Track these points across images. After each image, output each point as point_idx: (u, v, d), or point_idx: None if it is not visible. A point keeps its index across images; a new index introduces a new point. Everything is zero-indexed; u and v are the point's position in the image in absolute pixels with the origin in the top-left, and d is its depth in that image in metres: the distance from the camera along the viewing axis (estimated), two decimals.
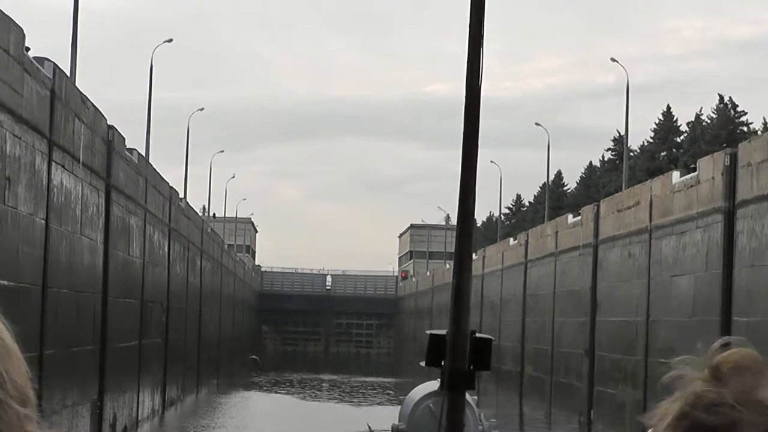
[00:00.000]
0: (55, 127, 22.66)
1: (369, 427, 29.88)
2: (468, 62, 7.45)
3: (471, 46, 7.44)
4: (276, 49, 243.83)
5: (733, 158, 28.80)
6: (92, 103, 26.71)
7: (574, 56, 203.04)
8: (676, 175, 33.91)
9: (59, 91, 22.99)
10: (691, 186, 31.87)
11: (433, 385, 12.13)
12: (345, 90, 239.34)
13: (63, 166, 23.56)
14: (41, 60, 22.12)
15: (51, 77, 22.34)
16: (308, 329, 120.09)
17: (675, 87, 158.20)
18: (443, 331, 7.67)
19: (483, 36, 7.49)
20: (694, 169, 32.77)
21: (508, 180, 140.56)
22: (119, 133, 30.44)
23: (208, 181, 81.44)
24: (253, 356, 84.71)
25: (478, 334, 7.71)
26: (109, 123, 29.26)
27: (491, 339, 7.94)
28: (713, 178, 30.10)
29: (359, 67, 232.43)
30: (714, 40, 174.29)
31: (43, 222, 21.87)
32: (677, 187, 33.17)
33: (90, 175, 26.65)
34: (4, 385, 1.49)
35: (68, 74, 28.55)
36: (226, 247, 75.67)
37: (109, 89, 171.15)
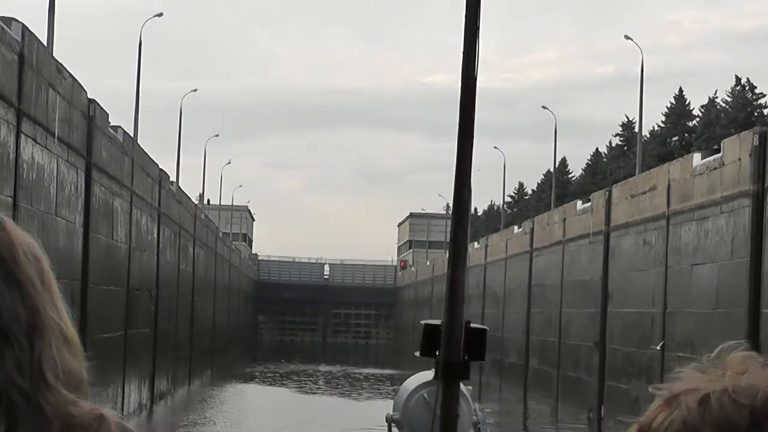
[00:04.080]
0: (24, 95, 20.52)
1: None
2: (464, 52, 7.32)
3: (467, 36, 7.31)
4: (275, 39, 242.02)
5: (763, 138, 26.72)
6: (70, 73, 24.55)
7: (573, 48, 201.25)
8: (697, 158, 31.80)
9: (29, 56, 20.84)
10: (715, 168, 29.78)
11: (428, 375, 11.75)
12: (345, 81, 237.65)
13: (34, 140, 21.43)
14: (8, 20, 19.98)
15: (19, 40, 20.21)
16: (306, 319, 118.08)
17: (676, 78, 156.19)
18: (438, 321, 7.49)
19: (479, 26, 7.32)
20: (716, 151, 30.73)
21: (508, 171, 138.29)
22: (102, 108, 28.30)
23: (202, 168, 79.32)
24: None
25: (472, 325, 7.49)
26: (89, 96, 27.14)
27: (486, 329, 7.70)
28: (740, 159, 28.02)
29: (359, 58, 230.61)
30: (714, 32, 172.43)
31: (10, 200, 19.76)
32: (698, 170, 31.07)
33: (67, 152, 24.54)
34: (56, 371, 1.57)
35: (45, 43, 26.48)
36: (221, 234, 73.58)
37: (108, 80, 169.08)
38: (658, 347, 42.58)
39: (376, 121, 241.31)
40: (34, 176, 21.49)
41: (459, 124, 7.39)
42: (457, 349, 7.31)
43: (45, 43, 25.99)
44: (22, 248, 1.61)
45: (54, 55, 25.01)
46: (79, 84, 25.72)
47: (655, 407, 1.54)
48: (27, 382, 1.55)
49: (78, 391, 1.61)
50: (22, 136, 20.47)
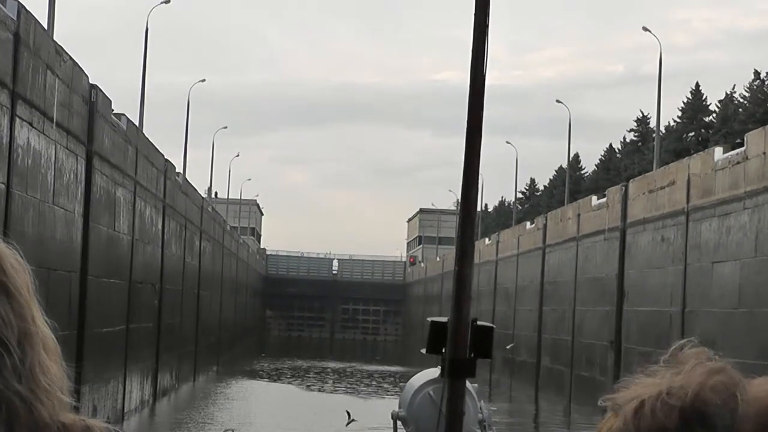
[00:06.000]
0: (19, 77, 19.56)
1: (348, 414, 32.79)
2: (473, 50, 7.40)
3: (476, 34, 7.41)
4: (285, 34, 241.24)
5: None
6: (70, 56, 23.58)
7: (583, 45, 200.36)
8: (718, 152, 30.78)
9: (26, 36, 19.88)
10: (738, 163, 28.76)
11: (434, 372, 12.24)
12: (355, 76, 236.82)
13: (30, 124, 20.48)
14: None
15: (15, 18, 19.25)
16: (314, 315, 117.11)
17: (688, 76, 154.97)
18: (444, 319, 7.63)
19: (488, 24, 7.41)
20: (739, 145, 29.71)
21: (520, 168, 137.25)
22: (104, 94, 27.32)
23: (210, 162, 78.35)
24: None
25: (479, 322, 7.62)
26: (91, 82, 26.16)
27: (492, 327, 7.80)
28: (764, 153, 27.02)
29: (369, 54, 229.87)
30: (724, 31, 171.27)
31: (3, 186, 18.82)
32: (720, 165, 30.05)
33: (66, 138, 23.57)
34: (48, 376, 1.62)
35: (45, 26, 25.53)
36: (228, 228, 72.63)
37: (117, 74, 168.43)
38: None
39: (385, 117, 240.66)
40: (29, 162, 20.54)
41: (467, 121, 7.50)
42: (463, 346, 7.43)
43: (45, 26, 25.03)
44: (7, 258, 1.64)
45: (54, 38, 24.06)
46: (80, 68, 24.74)
47: (606, 419, 1.53)
48: (25, 389, 1.58)
49: (64, 394, 1.64)
50: (17, 120, 19.51)
